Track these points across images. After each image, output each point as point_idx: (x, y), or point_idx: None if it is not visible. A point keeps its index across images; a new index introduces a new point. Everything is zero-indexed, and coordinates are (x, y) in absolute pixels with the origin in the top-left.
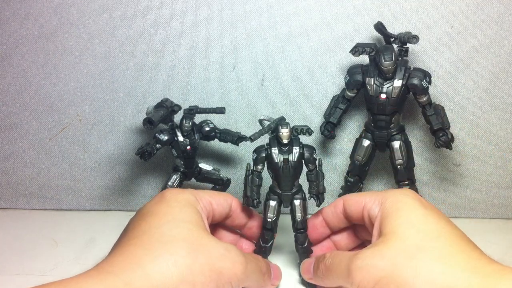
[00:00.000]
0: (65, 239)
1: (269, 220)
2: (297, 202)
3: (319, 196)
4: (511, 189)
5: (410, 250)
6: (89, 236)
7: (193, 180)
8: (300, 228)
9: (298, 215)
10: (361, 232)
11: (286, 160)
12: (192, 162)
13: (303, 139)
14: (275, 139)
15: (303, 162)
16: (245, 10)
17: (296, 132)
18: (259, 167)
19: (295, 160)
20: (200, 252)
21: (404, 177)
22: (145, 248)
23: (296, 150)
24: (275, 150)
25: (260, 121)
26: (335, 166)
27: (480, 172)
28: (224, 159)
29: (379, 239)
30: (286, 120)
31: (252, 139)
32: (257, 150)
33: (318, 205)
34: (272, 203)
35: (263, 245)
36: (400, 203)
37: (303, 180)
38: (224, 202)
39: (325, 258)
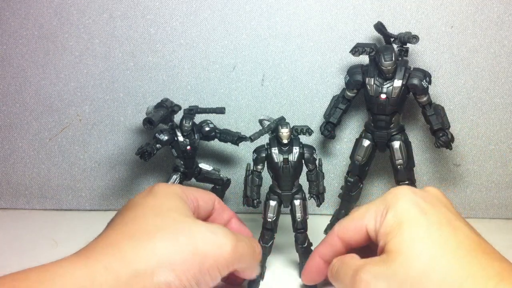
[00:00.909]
0: (65, 239)
1: (269, 220)
2: (297, 202)
3: (319, 196)
4: (511, 189)
5: (415, 279)
6: (89, 236)
7: (193, 180)
8: (300, 228)
9: (298, 215)
10: None
11: (286, 160)
12: (192, 162)
13: (303, 139)
14: (275, 139)
15: (303, 162)
16: (245, 10)
17: (296, 132)
18: (259, 167)
19: (295, 160)
20: (181, 237)
21: (404, 177)
22: (126, 236)
23: (296, 150)
24: (275, 150)
25: (260, 121)
26: (335, 166)
27: (480, 172)
28: (224, 159)
29: (383, 256)
30: (286, 120)
31: (252, 139)
32: (257, 150)
33: (318, 205)
34: (272, 203)
35: (263, 245)
36: (401, 216)
37: (303, 181)
38: (209, 200)
39: (332, 264)
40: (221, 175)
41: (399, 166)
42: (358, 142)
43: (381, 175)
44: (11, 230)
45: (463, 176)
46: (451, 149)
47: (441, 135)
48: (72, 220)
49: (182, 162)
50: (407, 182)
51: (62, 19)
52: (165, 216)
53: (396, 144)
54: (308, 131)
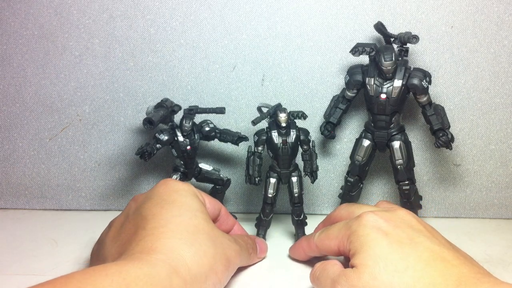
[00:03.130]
0: (65, 239)
1: (269, 195)
2: (294, 179)
3: (313, 174)
4: (511, 189)
5: None
6: (89, 236)
7: (193, 180)
8: (297, 202)
9: (295, 190)
10: None
11: (284, 141)
12: (192, 162)
13: (300, 124)
14: (274, 123)
15: (299, 143)
16: (245, 10)
17: (292, 116)
18: (260, 148)
19: (293, 141)
20: (217, 243)
21: (404, 177)
22: (177, 238)
23: (293, 132)
24: (274, 133)
25: (258, 108)
26: (335, 166)
27: (480, 172)
28: (224, 159)
29: (354, 269)
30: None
31: (254, 123)
32: (258, 133)
33: (312, 182)
34: (272, 180)
35: (264, 218)
36: (363, 239)
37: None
38: (216, 205)
39: (314, 269)
40: (221, 175)
41: (399, 166)
42: (358, 142)
43: (381, 175)
44: (11, 230)
45: (463, 176)
46: (451, 149)
47: (441, 135)
48: (72, 220)
49: (182, 162)
50: (407, 182)
51: (62, 19)
52: (198, 217)
53: (396, 144)
54: (303, 116)
